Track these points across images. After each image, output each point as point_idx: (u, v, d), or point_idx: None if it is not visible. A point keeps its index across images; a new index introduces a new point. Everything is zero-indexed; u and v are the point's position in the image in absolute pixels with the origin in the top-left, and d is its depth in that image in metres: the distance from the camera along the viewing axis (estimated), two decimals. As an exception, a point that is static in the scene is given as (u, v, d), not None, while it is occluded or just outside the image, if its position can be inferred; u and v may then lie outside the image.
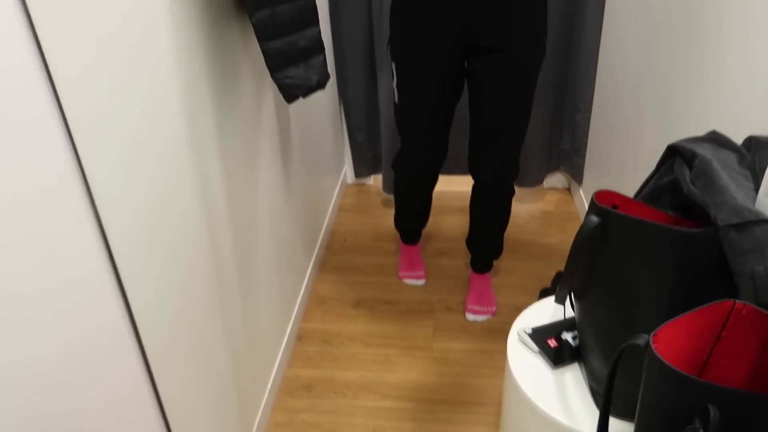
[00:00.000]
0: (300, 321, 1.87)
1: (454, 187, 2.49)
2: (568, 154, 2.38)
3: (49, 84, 0.68)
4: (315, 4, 1.16)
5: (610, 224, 0.88)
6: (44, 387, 0.72)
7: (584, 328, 1.02)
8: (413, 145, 1.70)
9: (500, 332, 1.81)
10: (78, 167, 0.74)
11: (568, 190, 2.50)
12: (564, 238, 2.19)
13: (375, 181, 2.60)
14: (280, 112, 1.58)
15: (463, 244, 2.17)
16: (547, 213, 2.35)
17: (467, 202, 2.37)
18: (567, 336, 1.07)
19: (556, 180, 2.50)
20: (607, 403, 0.77)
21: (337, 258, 2.15)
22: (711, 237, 0.81)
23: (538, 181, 2.41)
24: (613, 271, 0.91)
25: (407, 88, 1.59)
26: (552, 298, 1.17)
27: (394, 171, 1.82)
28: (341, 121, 2.42)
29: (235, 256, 1.30)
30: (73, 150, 0.72)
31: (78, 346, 0.76)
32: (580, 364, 1.04)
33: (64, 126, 0.70)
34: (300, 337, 1.82)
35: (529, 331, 1.07)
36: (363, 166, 2.52)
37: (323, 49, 1.22)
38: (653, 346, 0.63)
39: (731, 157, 0.93)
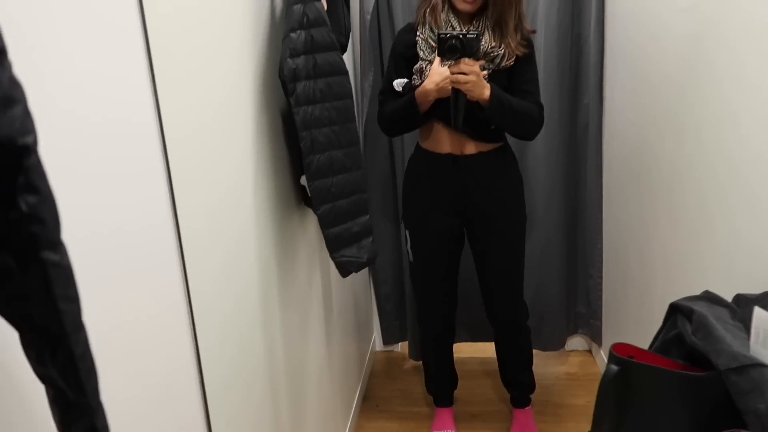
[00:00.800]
0: (339, 488, 1.89)
1: (478, 354, 2.61)
2: (585, 318, 2.54)
3: (161, 141, 0.85)
4: (366, 199, 1.43)
5: (628, 372, 1.02)
6: (116, 412, 0.77)
7: (620, 476, 1.11)
8: (428, 294, 2.01)
9: (538, 497, 1.81)
10: (174, 216, 0.88)
11: (590, 351, 2.60)
12: (590, 399, 2.23)
13: (402, 348, 2.73)
14: (324, 284, 1.79)
15: (494, 408, 2.26)
16: (571, 375, 2.44)
17: (491, 366, 2.48)
18: (605, 484, 1.15)
19: (576, 342, 2.62)
20: None
21: (370, 424, 2.21)
22: (715, 379, 0.95)
23: (559, 344, 2.54)
24: (638, 419, 1.04)
25: (419, 249, 1.95)
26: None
27: (419, 325, 2.10)
28: (370, 292, 2.63)
29: (288, 415, 1.42)
30: (171, 199, 0.87)
31: (154, 374, 0.84)
32: None
33: (167, 177, 0.86)
34: (339, 505, 1.83)
35: (569, 479, 1.15)
36: (391, 333, 2.67)
37: (372, 232, 1.47)
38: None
39: (724, 313, 1.10)
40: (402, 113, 1.77)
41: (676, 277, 1.62)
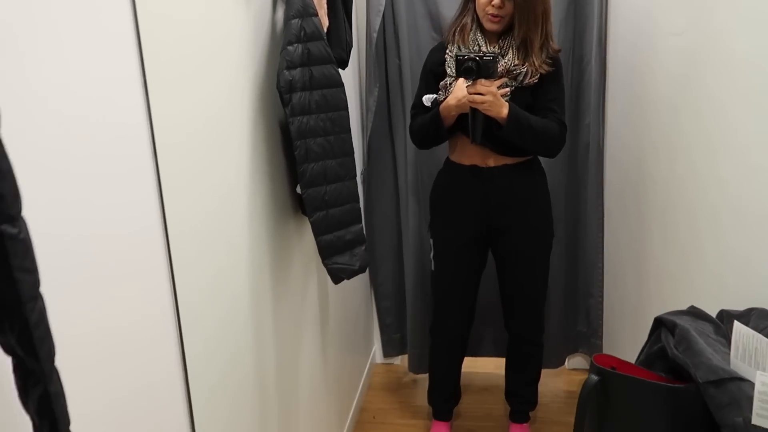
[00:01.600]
0: (330, 499, 1.89)
1: (479, 369, 2.60)
2: (586, 336, 2.52)
3: (152, 144, 0.87)
4: (360, 208, 1.46)
5: (608, 383, 1.03)
6: (98, 419, 0.78)
7: (601, 488, 1.11)
8: (446, 306, 2.02)
9: None
10: (162, 220, 0.90)
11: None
12: (589, 419, 2.23)
13: (402, 361, 2.73)
14: (321, 294, 1.81)
15: (492, 423, 2.25)
16: (571, 393, 2.42)
17: (492, 382, 2.48)
18: (587, 497, 1.15)
19: (577, 362, 2.61)
20: None
21: (366, 436, 2.21)
22: (694, 392, 0.95)
23: (559, 362, 2.53)
24: (618, 429, 1.04)
25: (442, 259, 1.98)
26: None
27: (430, 336, 2.10)
28: (371, 305, 2.64)
29: (276, 415, 1.43)
30: (160, 204, 0.90)
31: (136, 381, 0.84)
32: None
33: (156, 180, 0.89)
34: None
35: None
36: (391, 346, 2.67)
37: (365, 241, 1.49)
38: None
39: (708, 327, 1.10)
40: (428, 127, 1.85)
41: (667, 295, 1.62)
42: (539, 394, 2.34)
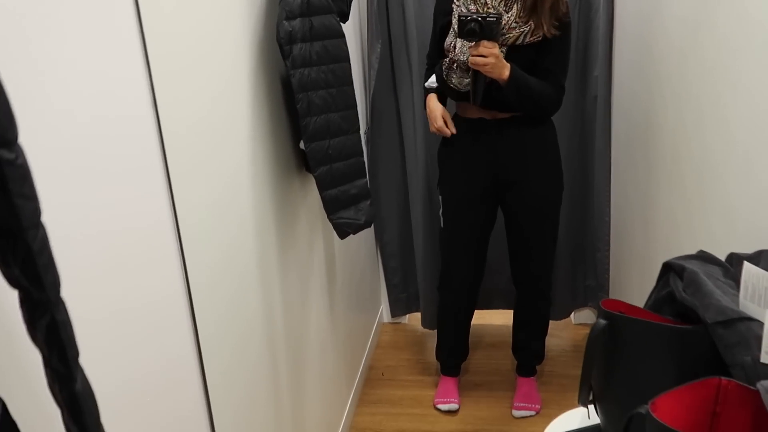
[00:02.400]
0: (342, 451, 1.93)
1: (485, 323, 2.62)
2: (593, 290, 2.53)
3: (159, 135, 0.88)
4: (364, 162, 1.45)
5: (616, 327, 1.03)
6: (116, 400, 0.81)
7: (609, 431, 1.12)
8: (454, 262, 2.02)
9: (539, 463, 1.84)
10: (172, 209, 0.92)
11: (597, 326, 2.60)
12: (596, 371, 2.25)
13: (410, 320, 2.75)
14: (327, 252, 1.82)
15: (498, 377, 2.27)
16: (577, 347, 2.44)
17: (499, 338, 2.50)
18: (595, 441, 1.16)
19: (584, 315, 2.62)
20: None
21: (375, 391, 2.24)
22: (702, 333, 0.95)
23: (564, 314, 2.54)
24: (625, 373, 1.04)
25: (450, 215, 1.97)
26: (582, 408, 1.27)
27: (438, 293, 2.11)
28: (378, 265, 2.65)
29: (287, 378, 1.45)
30: (170, 194, 0.91)
31: (151, 365, 0.87)
32: (609, 468, 1.12)
33: (165, 173, 0.90)
34: (342, 467, 1.88)
35: (559, 435, 1.17)
36: (398, 306, 2.69)
37: (370, 195, 1.48)
38: (652, 412, 0.76)
39: (716, 271, 1.10)
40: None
41: (675, 244, 1.62)
42: (547, 348, 2.37)
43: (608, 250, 2.40)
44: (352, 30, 2.16)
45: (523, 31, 1.70)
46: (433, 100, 1.89)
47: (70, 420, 0.42)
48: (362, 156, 1.44)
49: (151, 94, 0.87)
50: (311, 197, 1.61)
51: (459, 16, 1.63)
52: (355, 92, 1.43)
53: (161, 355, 0.89)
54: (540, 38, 1.71)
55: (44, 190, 0.42)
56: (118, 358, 0.79)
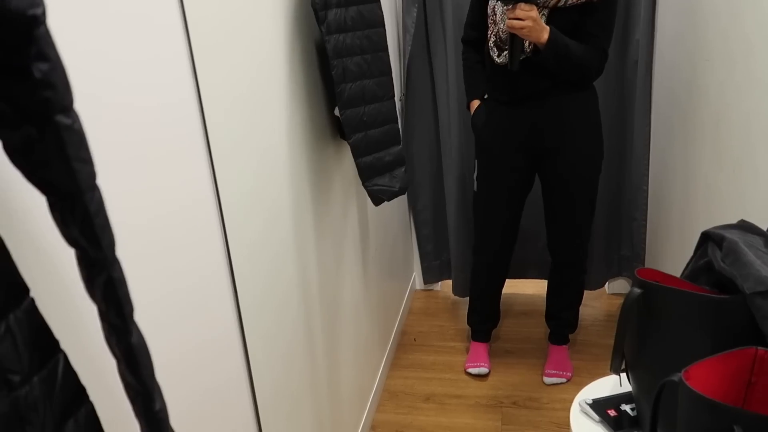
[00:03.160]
0: (374, 412, 1.99)
1: (518, 292, 2.63)
2: (628, 260, 2.50)
3: (201, 116, 0.91)
4: (398, 129, 1.45)
5: (651, 295, 1.02)
6: (165, 371, 0.87)
7: (640, 399, 1.13)
8: (487, 227, 2.02)
9: (569, 429, 1.86)
10: (215, 188, 0.96)
11: (631, 295, 2.57)
12: (628, 341, 2.25)
13: (442, 287, 2.78)
14: (361, 220, 1.84)
15: (530, 345, 2.28)
16: (611, 317, 2.43)
17: (531, 307, 2.51)
18: (626, 407, 1.17)
19: (619, 285, 2.60)
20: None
21: (407, 356, 2.29)
22: (740, 303, 0.94)
23: (599, 285, 2.52)
24: (659, 342, 1.04)
25: (484, 178, 1.96)
26: (613, 376, 1.27)
27: (473, 255, 2.12)
28: (411, 232, 2.67)
29: (323, 343, 1.49)
30: (212, 174, 0.95)
31: (197, 338, 0.92)
32: (639, 434, 1.13)
33: (208, 154, 0.93)
34: (374, 427, 1.93)
35: (590, 401, 1.18)
36: (430, 273, 2.71)
37: (404, 162, 1.49)
38: (685, 380, 0.76)
39: (757, 241, 1.07)
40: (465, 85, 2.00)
41: (715, 213, 1.58)
42: (580, 318, 2.36)
43: (645, 220, 2.36)
44: (388, -6, 2.14)
45: None
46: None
47: (128, 371, 0.45)
48: (397, 123, 1.44)
49: (193, 74, 0.89)
50: (346, 164, 1.63)
51: None
52: (390, 58, 1.43)
53: (206, 326, 0.93)
54: (582, 0, 1.66)
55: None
56: (167, 331, 0.83)
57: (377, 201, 1.44)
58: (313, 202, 1.38)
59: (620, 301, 2.53)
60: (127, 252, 0.73)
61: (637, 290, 1.03)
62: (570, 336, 2.21)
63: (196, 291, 0.91)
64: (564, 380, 2.08)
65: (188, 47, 0.87)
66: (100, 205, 0.41)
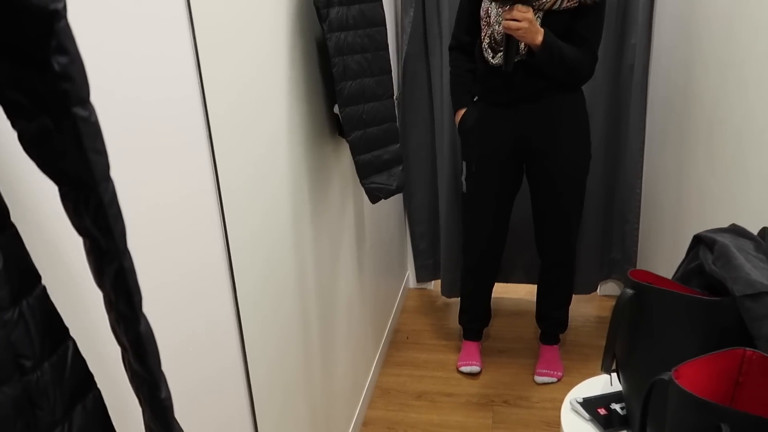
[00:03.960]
0: (366, 408, 2.00)
1: (511, 295, 2.65)
2: (620, 263, 2.52)
3: (205, 116, 0.92)
4: (397, 127, 1.46)
5: (643, 296, 1.04)
6: (163, 360, 0.86)
7: (630, 398, 1.15)
8: (476, 227, 2.04)
9: (559, 428, 1.88)
10: (215, 180, 0.97)
11: (622, 297, 2.60)
12: (619, 342, 2.27)
13: (435, 286, 2.79)
14: (357, 217, 1.85)
15: (521, 345, 2.30)
16: (602, 318, 2.46)
17: (522, 307, 2.53)
18: (616, 406, 1.19)
19: (609, 288, 2.63)
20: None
21: (400, 354, 2.30)
22: (729, 305, 0.96)
23: (592, 288, 2.55)
24: (650, 343, 1.06)
25: (473, 180, 1.98)
26: (604, 376, 1.29)
27: (462, 255, 2.15)
28: (405, 231, 2.68)
29: (317, 338, 1.50)
30: (213, 166, 0.96)
31: (195, 326, 0.93)
32: (629, 432, 1.15)
33: (210, 149, 0.94)
34: (366, 423, 1.95)
35: (580, 400, 1.20)
36: (424, 271, 2.73)
37: (402, 161, 1.50)
38: (675, 379, 0.78)
39: (748, 244, 1.09)
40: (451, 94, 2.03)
41: (708, 218, 1.60)
42: (570, 318, 2.38)
43: (637, 222, 2.39)
44: (387, -6, 2.15)
45: None
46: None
47: (135, 359, 0.46)
48: (395, 121, 1.46)
49: (198, 70, 0.89)
50: (344, 162, 1.64)
51: None
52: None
53: (204, 316, 0.94)
54: (576, 4, 1.69)
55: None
56: (166, 319, 0.83)
57: (374, 199, 1.45)
58: (311, 198, 1.39)
59: (611, 302, 2.56)
60: (129, 241, 0.73)
61: (630, 291, 1.05)
62: (561, 336, 2.23)
63: (195, 281, 0.92)
64: (555, 379, 2.10)
65: (193, 43, 0.88)
66: (114, 195, 0.42)
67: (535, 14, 1.67)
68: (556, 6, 1.69)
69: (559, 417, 1.90)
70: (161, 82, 0.81)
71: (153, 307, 0.80)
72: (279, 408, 1.25)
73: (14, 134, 0.43)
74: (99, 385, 0.52)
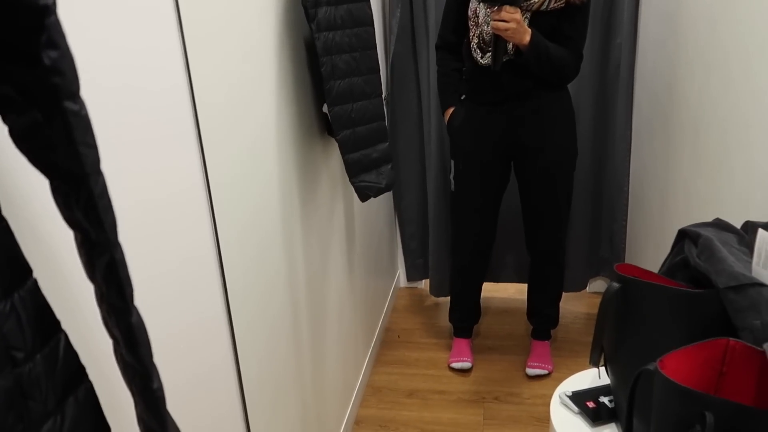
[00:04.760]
0: (358, 407, 2.01)
1: (500, 294, 2.67)
2: (608, 262, 2.55)
3: (193, 110, 0.92)
4: (386, 126, 1.47)
5: (629, 290, 1.06)
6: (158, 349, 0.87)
7: (618, 391, 1.16)
8: (465, 226, 2.06)
9: (549, 423, 1.89)
10: (204, 174, 0.97)
11: (611, 294, 2.62)
12: (608, 338, 2.29)
13: (425, 285, 2.80)
14: (347, 215, 1.86)
15: (512, 342, 2.32)
16: (591, 315, 2.48)
17: (512, 305, 2.55)
18: (604, 399, 1.20)
19: (598, 285, 2.65)
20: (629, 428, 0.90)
21: (391, 352, 2.31)
22: (713, 298, 0.98)
23: (581, 286, 2.57)
24: (637, 335, 1.07)
25: (462, 179, 2.00)
26: (592, 370, 1.31)
27: (451, 253, 2.17)
28: (396, 231, 2.69)
29: (308, 337, 1.51)
30: (202, 160, 0.96)
31: (185, 320, 0.93)
32: (617, 425, 1.17)
33: (198, 139, 0.94)
34: (358, 421, 1.95)
35: (569, 393, 1.21)
36: (415, 271, 2.74)
37: (391, 159, 1.51)
38: (660, 369, 0.80)
39: (731, 238, 1.11)
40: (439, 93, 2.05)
41: (694, 214, 1.63)
42: (560, 315, 2.41)
43: (625, 221, 2.41)
44: (375, -6, 2.16)
45: None
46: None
47: (127, 351, 0.47)
48: (384, 120, 1.47)
49: (185, 62, 0.90)
50: (333, 161, 1.64)
51: None
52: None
53: (194, 312, 0.95)
54: (563, 4, 1.71)
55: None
56: (156, 315, 0.84)
57: (364, 197, 1.46)
58: (301, 196, 1.40)
59: (600, 299, 2.58)
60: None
61: (616, 285, 1.06)
62: (551, 332, 2.25)
63: (184, 275, 0.92)
64: (546, 371, 2.12)
65: (181, 37, 0.89)
66: (104, 188, 0.43)
67: (522, 15, 1.69)
68: (544, 7, 1.71)
69: (548, 413, 1.92)
70: (149, 74, 0.81)
71: (142, 303, 0.80)
72: (270, 405, 1.25)
73: (5, 129, 0.43)
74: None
